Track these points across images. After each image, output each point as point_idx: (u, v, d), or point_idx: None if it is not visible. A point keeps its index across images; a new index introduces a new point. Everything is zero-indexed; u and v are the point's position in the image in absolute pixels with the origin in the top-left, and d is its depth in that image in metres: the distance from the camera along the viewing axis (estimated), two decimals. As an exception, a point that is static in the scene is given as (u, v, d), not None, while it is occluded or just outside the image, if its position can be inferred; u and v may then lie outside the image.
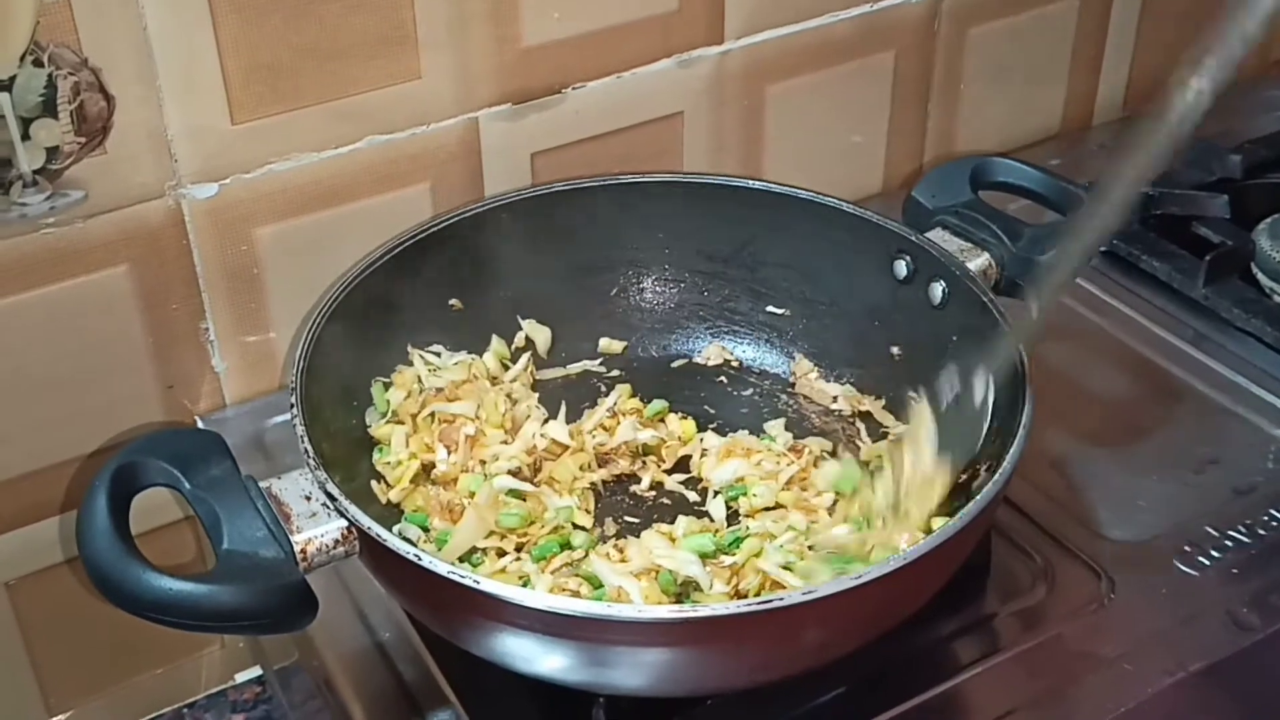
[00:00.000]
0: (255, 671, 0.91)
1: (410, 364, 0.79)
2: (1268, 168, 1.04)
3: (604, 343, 0.87)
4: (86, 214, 0.76)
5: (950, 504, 0.69)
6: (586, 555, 0.71)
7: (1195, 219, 0.99)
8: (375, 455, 0.76)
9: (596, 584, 0.68)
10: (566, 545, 0.72)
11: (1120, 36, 1.14)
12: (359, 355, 0.77)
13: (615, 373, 0.86)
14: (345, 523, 0.62)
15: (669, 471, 0.79)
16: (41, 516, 0.82)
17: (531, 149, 0.89)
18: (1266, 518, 0.78)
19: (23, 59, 0.70)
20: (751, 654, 0.61)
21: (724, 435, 0.81)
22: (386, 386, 0.78)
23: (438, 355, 0.81)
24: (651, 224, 0.85)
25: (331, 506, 0.62)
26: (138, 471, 0.62)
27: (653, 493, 0.78)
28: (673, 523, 0.74)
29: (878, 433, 0.81)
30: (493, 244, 0.82)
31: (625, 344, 0.87)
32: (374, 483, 0.75)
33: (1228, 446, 0.84)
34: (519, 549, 0.72)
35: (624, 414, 0.80)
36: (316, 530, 0.61)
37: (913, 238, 0.80)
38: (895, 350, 0.82)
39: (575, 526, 0.74)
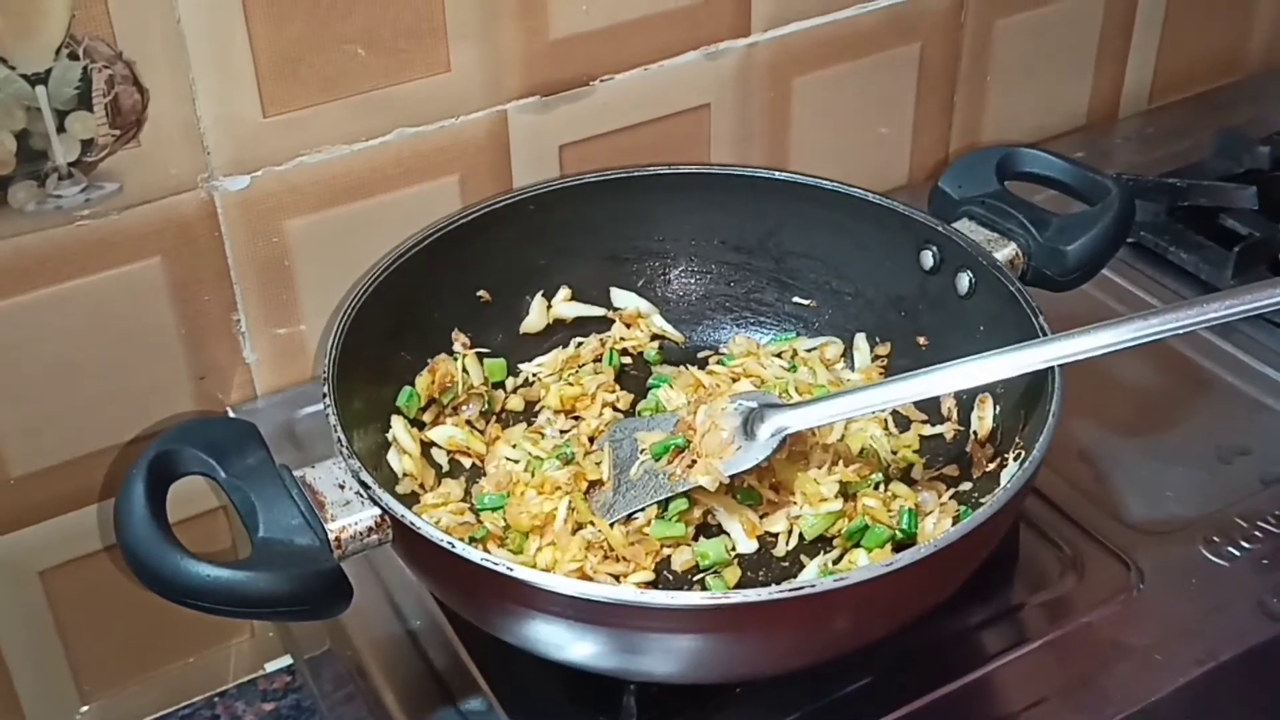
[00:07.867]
0: (285, 660, 0.91)
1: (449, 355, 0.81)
2: (1296, 159, 1.04)
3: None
4: (121, 206, 0.76)
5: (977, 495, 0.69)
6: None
7: (1223, 210, 0.99)
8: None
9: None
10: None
11: (1147, 29, 1.14)
12: (389, 346, 0.77)
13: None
14: (379, 511, 0.62)
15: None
16: (78, 505, 0.83)
17: (560, 141, 0.89)
18: (1296, 509, 0.78)
19: (58, 52, 0.71)
20: (781, 640, 0.62)
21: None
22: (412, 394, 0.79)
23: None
24: (678, 215, 0.86)
25: (365, 495, 0.63)
26: (174, 460, 0.63)
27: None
28: None
29: (904, 422, 0.81)
30: (521, 236, 0.83)
31: (652, 334, 0.87)
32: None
33: (1257, 437, 0.84)
34: None
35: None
36: (350, 518, 0.62)
37: (939, 228, 0.80)
38: (922, 340, 0.82)
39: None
